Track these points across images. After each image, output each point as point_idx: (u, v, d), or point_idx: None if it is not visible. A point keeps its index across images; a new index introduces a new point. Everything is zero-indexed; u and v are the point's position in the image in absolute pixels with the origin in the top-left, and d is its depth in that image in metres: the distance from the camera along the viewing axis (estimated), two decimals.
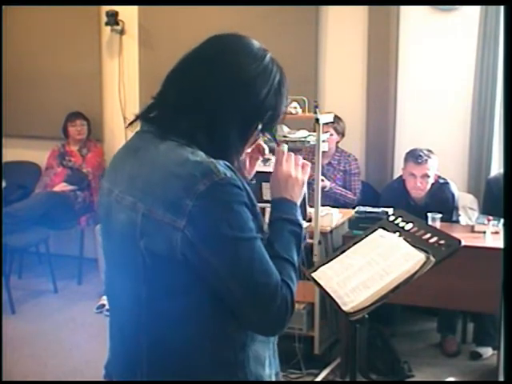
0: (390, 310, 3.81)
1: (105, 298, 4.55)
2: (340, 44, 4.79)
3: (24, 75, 5.57)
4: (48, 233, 4.97)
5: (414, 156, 3.92)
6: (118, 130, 5.35)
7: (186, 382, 1.36)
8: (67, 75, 5.44)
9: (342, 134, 4.54)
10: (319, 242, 3.51)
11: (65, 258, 5.34)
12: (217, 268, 1.26)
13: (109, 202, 1.41)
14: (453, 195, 4.02)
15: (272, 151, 1.57)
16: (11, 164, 5.59)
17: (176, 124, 1.36)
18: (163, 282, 1.31)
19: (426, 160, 3.89)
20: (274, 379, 1.47)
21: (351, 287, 1.65)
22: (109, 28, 5.29)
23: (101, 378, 3.31)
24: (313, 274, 1.80)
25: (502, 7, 4.14)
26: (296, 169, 1.49)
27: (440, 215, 3.52)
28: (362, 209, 3.70)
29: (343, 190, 4.43)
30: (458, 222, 4.02)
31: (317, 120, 3.42)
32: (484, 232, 3.51)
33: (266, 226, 1.40)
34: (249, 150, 1.53)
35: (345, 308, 1.61)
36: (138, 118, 1.43)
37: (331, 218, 3.69)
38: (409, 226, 1.80)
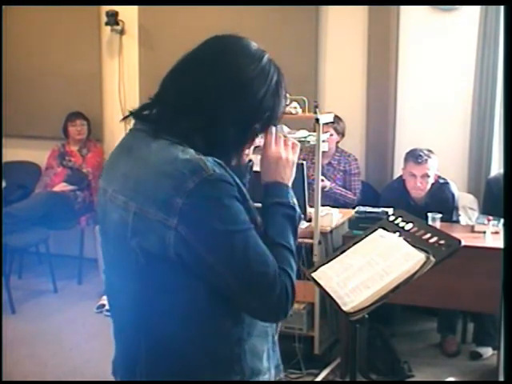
0: (390, 310, 3.81)
1: (105, 297, 4.55)
2: (340, 44, 4.79)
3: (24, 75, 5.57)
4: (48, 233, 4.96)
5: (414, 156, 3.92)
6: (118, 130, 5.33)
7: (186, 381, 1.37)
8: (67, 75, 5.44)
9: (342, 134, 4.54)
10: (319, 242, 3.51)
11: (65, 258, 5.34)
12: (212, 263, 1.27)
13: (105, 201, 1.42)
14: (453, 195, 4.02)
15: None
16: (11, 164, 5.59)
17: (175, 124, 1.36)
18: (157, 280, 1.32)
19: (426, 160, 3.88)
20: (273, 372, 1.48)
21: (351, 287, 1.65)
22: (109, 28, 5.29)
23: (101, 378, 3.32)
24: (313, 274, 1.80)
25: (502, 7, 4.14)
26: (286, 149, 1.49)
27: (440, 215, 3.52)
28: (362, 209, 3.70)
29: (343, 190, 4.43)
30: (458, 222, 4.02)
31: (317, 120, 3.42)
32: (484, 232, 3.51)
33: (260, 219, 1.40)
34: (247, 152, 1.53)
35: (345, 308, 1.61)
36: (131, 114, 1.44)
37: (331, 217, 3.69)
38: (409, 226, 1.80)
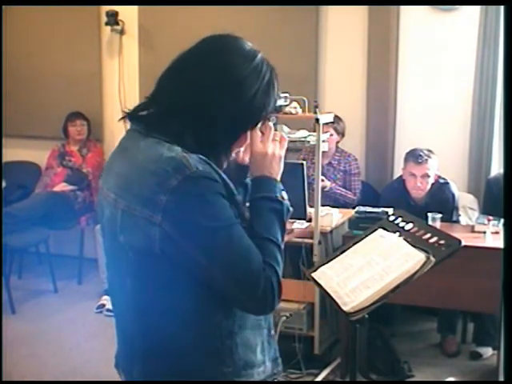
0: (390, 310, 3.81)
1: (105, 297, 4.55)
2: (340, 44, 4.79)
3: (24, 75, 5.57)
4: (48, 233, 4.96)
5: (414, 156, 3.92)
6: (118, 130, 5.30)
7: (186, 381, 1.38)
8: (67, 75, 5.44)
9: (342, 134, 4.54)
10: (319, 242, 3.51)
11: (65, 257, 5.34)
12: (197, 259, 1.29)
13: (101, 199, 1.46)
14: (453, 195, 4.02)
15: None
16: (11, 164, 5.59)
17: (165, 122, 1.38)
18: (146, 275, 1.35)
19: (426, 160, 3.88)
20: (269, 365, 1.49)
21: (351, 287, 1.65)
22: (109, 28, 5.29)
23: (101, 378, 3.31)
24: (313, 274, 1.80)
25: (502, 7, 4.14)
26: (274, 144, 1.49)
27: (440, 215, 3.52)
28: (362, 209, 3.70)
29: (343, 190, 4.42)
30: (458, 221, 4.02)
31: (317, 120, 3.42)
32: (484, 232, 3.51)
33: (248, 214, 1.41)
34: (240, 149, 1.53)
35: (345, 308, 1.61)
36: (126, 114, 1.47)
37: (331, 218, 3.69)
38: (409, 226, 1.80)
